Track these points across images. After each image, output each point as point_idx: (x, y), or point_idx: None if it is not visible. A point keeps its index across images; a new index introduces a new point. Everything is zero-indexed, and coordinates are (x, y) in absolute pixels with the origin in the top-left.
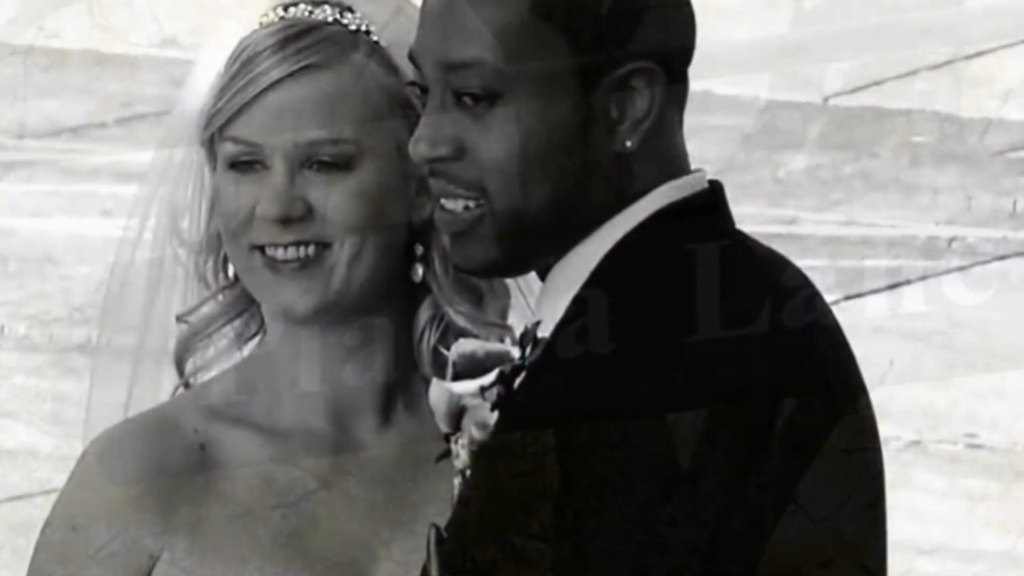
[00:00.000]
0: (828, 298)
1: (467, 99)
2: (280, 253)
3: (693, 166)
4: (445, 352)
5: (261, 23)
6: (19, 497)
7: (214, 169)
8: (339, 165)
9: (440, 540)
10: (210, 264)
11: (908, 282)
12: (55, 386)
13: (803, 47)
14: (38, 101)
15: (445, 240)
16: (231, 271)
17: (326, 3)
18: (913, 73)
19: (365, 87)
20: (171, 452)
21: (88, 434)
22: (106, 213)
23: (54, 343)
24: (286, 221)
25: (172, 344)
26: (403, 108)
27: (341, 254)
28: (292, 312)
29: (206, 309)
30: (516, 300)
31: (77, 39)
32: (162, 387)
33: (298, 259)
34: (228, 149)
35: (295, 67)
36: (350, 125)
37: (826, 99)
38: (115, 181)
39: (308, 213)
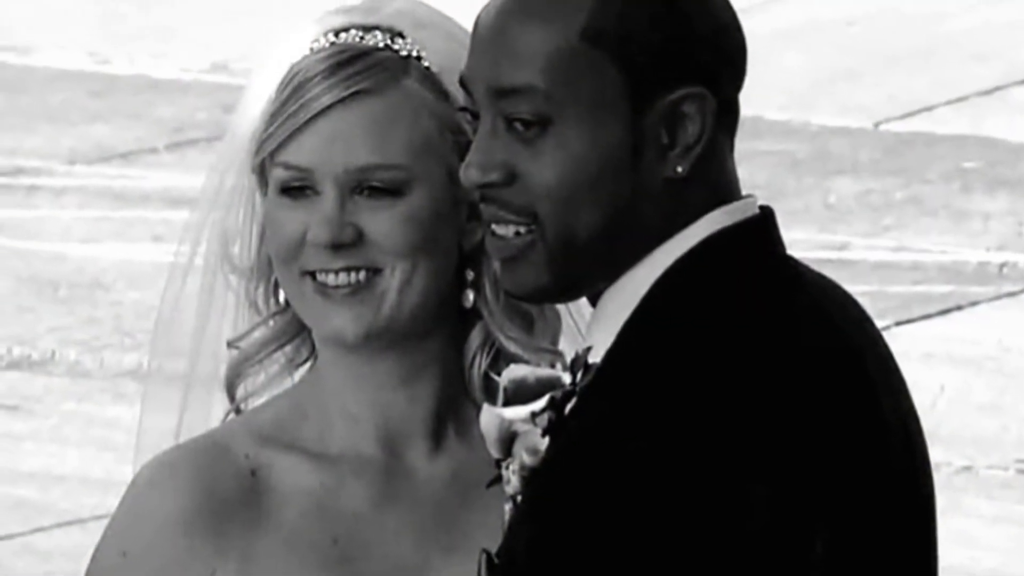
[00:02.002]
0: (879, 324)
1: (518, 124)
2: (331, 279)
3: (744, 192)
4: (496, 378)
5: (312, 48)
6: (70, 523)
7: (265, 195)
8: (390, 191)
9: (491, 566)
10: (261, 290)
11: (959, 308)
12: (105, 412)
13: (853, 72)
14: (89, 127)
15: (496, 266)
16: (282, 297)
17: (377, 28)
18: (964, 99)
19: (416, 113)
20: (222, 477)
21: (139, 460)
22: (157, 239)
23: (104, 369)
24: (337, 247)
25: (223, 370)
26: (454, 134)
27: (392, 280)
28: (343, 338)
29: (257, 335)
30: (567, 325)
31: (128, 65)
32: (213, 413)
33: (349, 285)
34: (279, 175)
35: (346, 93)
36: (401, 151)
37: (877, 124)
38: (166, 207)
39: (359, 239)
